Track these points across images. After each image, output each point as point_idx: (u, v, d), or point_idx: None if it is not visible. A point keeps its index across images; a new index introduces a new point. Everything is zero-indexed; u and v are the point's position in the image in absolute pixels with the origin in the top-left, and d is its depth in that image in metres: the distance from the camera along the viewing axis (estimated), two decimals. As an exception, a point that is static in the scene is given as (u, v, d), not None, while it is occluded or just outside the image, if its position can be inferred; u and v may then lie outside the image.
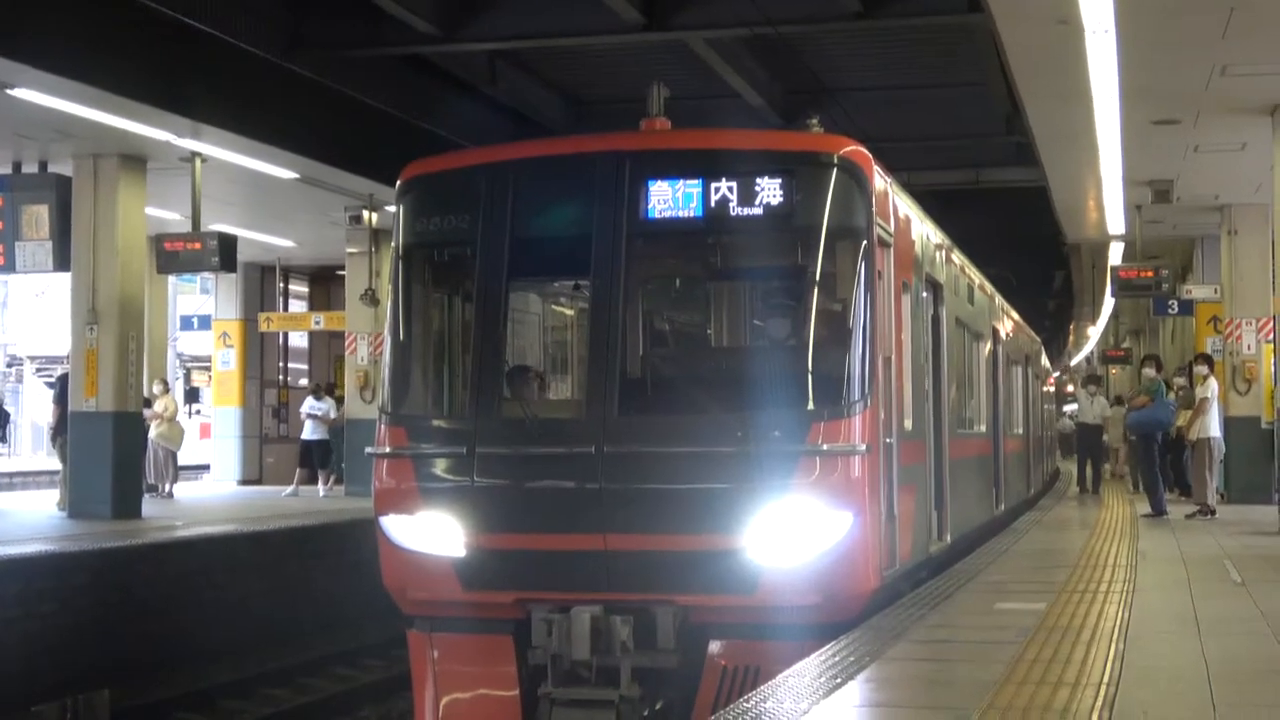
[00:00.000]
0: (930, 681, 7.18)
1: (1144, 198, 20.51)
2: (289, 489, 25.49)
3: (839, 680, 6.89)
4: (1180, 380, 20.31)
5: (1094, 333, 49.42)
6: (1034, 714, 6.07)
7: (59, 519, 19.15)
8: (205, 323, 34.04)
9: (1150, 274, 22.83)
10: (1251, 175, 19.48)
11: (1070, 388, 53.58)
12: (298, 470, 25.79)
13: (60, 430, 20.28)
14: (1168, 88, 14.74)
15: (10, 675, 13.16)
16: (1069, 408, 42.89)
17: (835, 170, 9.41)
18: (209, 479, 30.77)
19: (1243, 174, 19.41)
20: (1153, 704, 6.43)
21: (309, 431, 25.49)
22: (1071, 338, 59.49)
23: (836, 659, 7.50)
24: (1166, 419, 19.08)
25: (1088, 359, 57.73)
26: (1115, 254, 26.50)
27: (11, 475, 31.52)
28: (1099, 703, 6.32)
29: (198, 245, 18.51)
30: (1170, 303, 25.56)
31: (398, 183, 10.15)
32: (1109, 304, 36.97)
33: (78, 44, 14.96)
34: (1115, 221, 22.74)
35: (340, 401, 26.08)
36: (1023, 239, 30.64)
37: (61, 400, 20.26)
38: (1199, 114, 15.85)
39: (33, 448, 49.00)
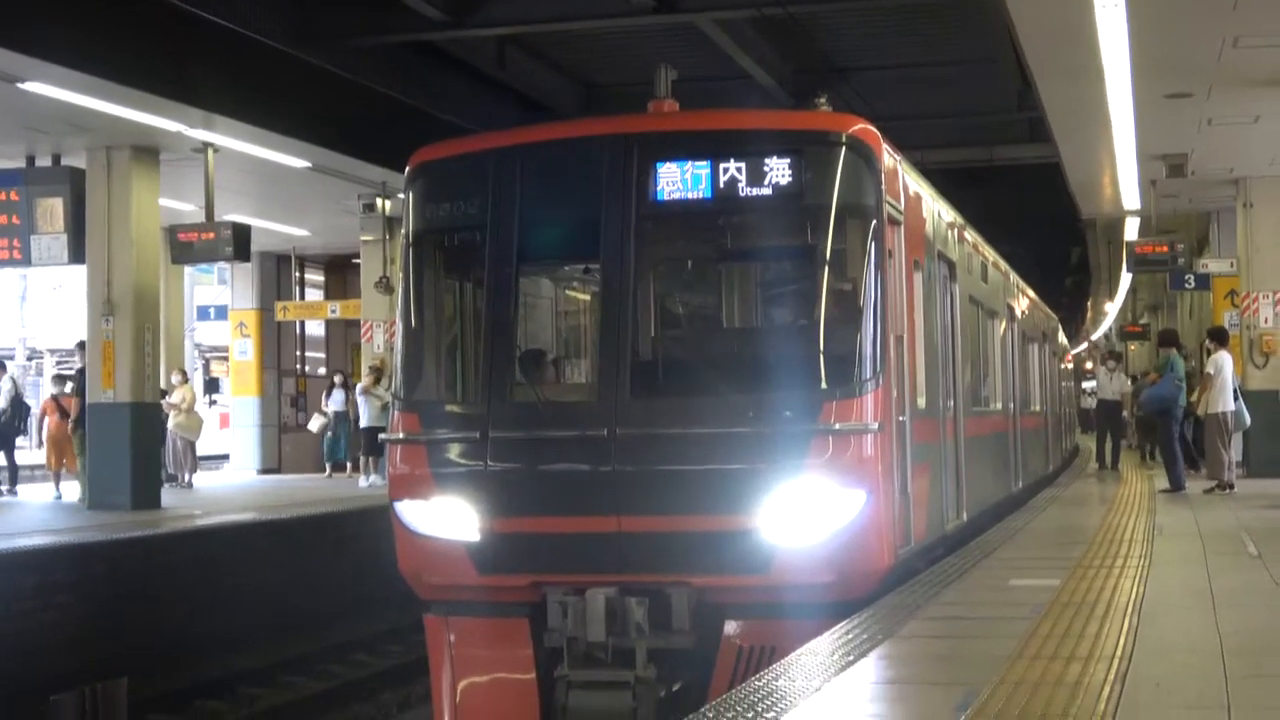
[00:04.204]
0: (943, 658, 7.18)
1: (1158, 172, 20.43)
2: (364, 480, 24.23)
3: (852, 658, 6.90)
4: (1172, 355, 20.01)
5: (1111, 309, 49.29)
6: (1045, 689, 6.07)
7: (72, 508, 19.28)
8: (222, 313, 34.15)
9: (1166, 249, 22.76)
10: (1266, 148, 19.42)
11: (1089, 364, 53.42)
12: (372, 459, 24.07)
13: (79, 422, 20.37)
14: (1179, 61, 14.67)
15: (30, 665, 13.26)
16: (1089, 384, 42.79)
17: (843, 149, 9.40)
18: (229, 468, 30.88)
19: (1257, 146, 19.34)
20: (1165, 677, 6.43)
21: (368, 418, 23.91)
22: (1089, 314, 59.32)
23: (850, 637, 7.51)
24: (1171, 395, 18.92)
25: (1106, 335, 57.58)
26: (1131, 229, 26.41)
27: (33, 468, 31.64)
28: (1111, 676, 6.32)
29: (211, 235, 18.57)
30: (1186, 277, 25.50)
31: (406, 169, 10.16)
32: (1126, 280, 36.87)
33: (88, 37, 14.99)
34: (1130, 197, 22.65)
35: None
36: (1038, 216, 30.54)
37: (80, 393, 20.36)
38: (1211, 87, 15.77)
39: (37, 440, 49.11)
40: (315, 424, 27.32)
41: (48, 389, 26.28)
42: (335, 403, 26.53)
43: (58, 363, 54.61)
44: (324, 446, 27.10)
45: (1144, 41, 13.44)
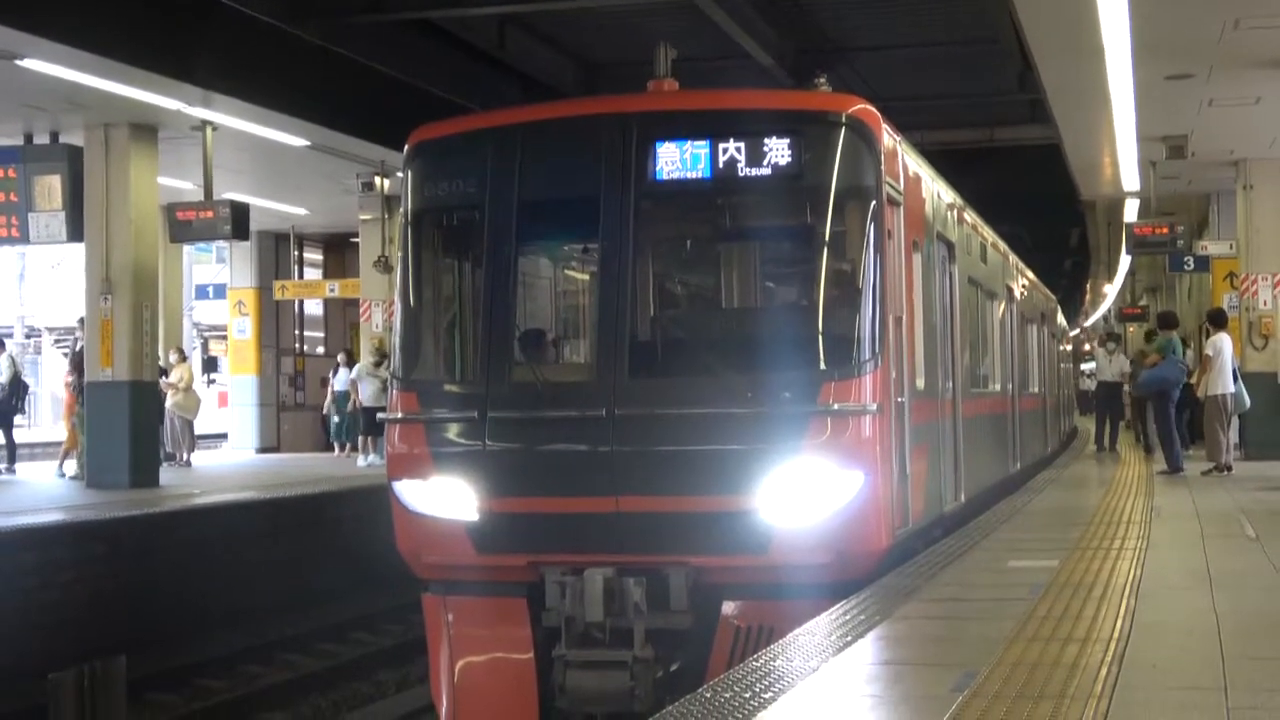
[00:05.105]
0: (940, 639, 7.19)
1: (1158, 153, 20.40)
2: (363, 459, 24.11)
3: (849, 639, 6.90)
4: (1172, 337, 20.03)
5: (1111, 290, 49.25)
6: (1042, 670, 6.08)
7: (71, 486, 19.27)
8: (221, 292, 34.16)
9: (1165, 230, 22.72)
10: (1266, 129, 19.38)
11: (1088, 346, 53.41)
12: (371, 440, 23.88)
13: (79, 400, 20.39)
14: (1180, 42, 14.63)
15: (29, 643, 13.27)
16: (1088, 366, 42.77)
17: (843, 129, 9.38)
18: (227, 447, 30.90)
19: (1258, 128, 19.31)
20: (1161, 658, 6.44)
21: (369, 398, 23.67)
22: (1089, 296, 59.29)
23: (847, 618, 7.52)
24: (1174, 377, 18.90)
25: (1105, 317, 57.56)
26: (1130, 211, 26.36)
27: (32, 446, 31.69)
28: (1108, 657, 6.33)
29: (210, 214, 18.57)
30: (1186, 259, 25.47)
31: (405, 148, 10.13)
32: (1125, 261, 36.82)
33: (86, 13, 14.95)
34: (1130, 178, 22.61)
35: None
36: (1038, 197, 30.47)
37: (79, 370, 20.36)
38: (1212, 68, 15.74)
39: (53, 418, 49.25)
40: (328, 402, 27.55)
41: (51, 367, 26.28)
42: (341, 382, 26.52)
43: (55, 341, 54.62)
44: (329, 425, 27.18)
45: (1145, 22, 13.40)
